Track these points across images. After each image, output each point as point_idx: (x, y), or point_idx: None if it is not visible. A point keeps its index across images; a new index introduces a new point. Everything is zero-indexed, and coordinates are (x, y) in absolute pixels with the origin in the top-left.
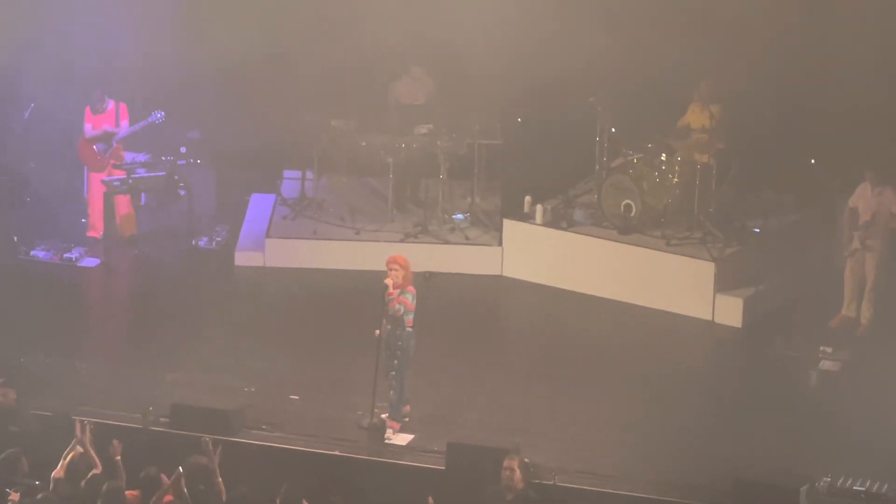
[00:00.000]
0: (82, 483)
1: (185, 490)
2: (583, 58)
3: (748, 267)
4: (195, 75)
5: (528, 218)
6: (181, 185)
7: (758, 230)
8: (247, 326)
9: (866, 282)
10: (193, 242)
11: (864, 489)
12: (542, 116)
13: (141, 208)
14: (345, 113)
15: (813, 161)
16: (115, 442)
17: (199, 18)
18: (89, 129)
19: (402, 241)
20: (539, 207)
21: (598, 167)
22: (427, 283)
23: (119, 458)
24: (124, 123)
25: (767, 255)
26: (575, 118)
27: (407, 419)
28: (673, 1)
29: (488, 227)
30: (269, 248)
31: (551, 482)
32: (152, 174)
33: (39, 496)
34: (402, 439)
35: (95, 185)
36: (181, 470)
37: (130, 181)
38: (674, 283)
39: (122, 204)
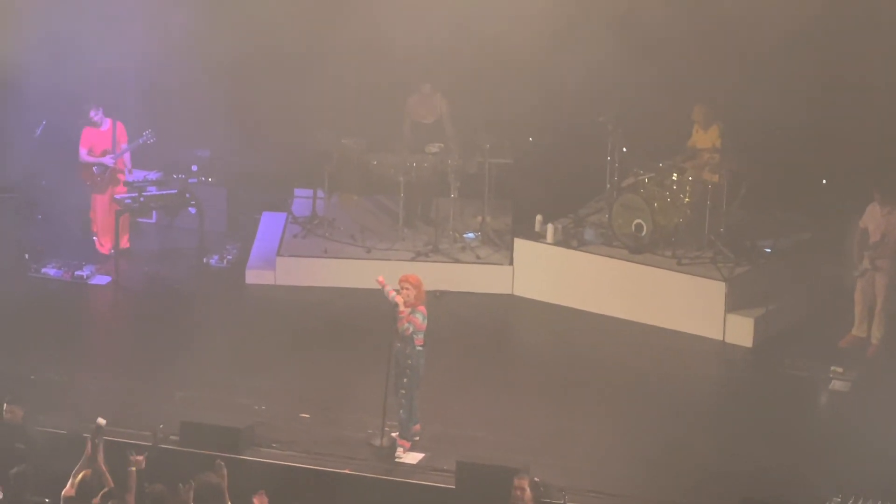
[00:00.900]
0: (94, 501)
1: None
2: (594, 77)
3: (759, 287)
4: (206, 93)
5: (538, 237)
6: (192, 202)
7: (769, 250)
8: (257, 344)
9: (876, 302)
10: (204, 260)
11: None
12: (553, 136)
13: (145, 226)
14: (356, 132)
15: (824, 181)
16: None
17: (210, 36)
18: (84, 153)
19: (412, 259)
20: (550, 226)
21: (608, 186)
22: (438, 301)
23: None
24: (123, 146)
25: (778, 275)
26: (586, 137)
27: (417, 438)
28: (684, 22)
29: (499, 245)
30: (280, 266)
31: (561, 501)
32: (163, 192)
33: None
34: (413, 458)
35: (99, 205)
36: (192, 483)
37: (142, 199)
38: (684, 303)
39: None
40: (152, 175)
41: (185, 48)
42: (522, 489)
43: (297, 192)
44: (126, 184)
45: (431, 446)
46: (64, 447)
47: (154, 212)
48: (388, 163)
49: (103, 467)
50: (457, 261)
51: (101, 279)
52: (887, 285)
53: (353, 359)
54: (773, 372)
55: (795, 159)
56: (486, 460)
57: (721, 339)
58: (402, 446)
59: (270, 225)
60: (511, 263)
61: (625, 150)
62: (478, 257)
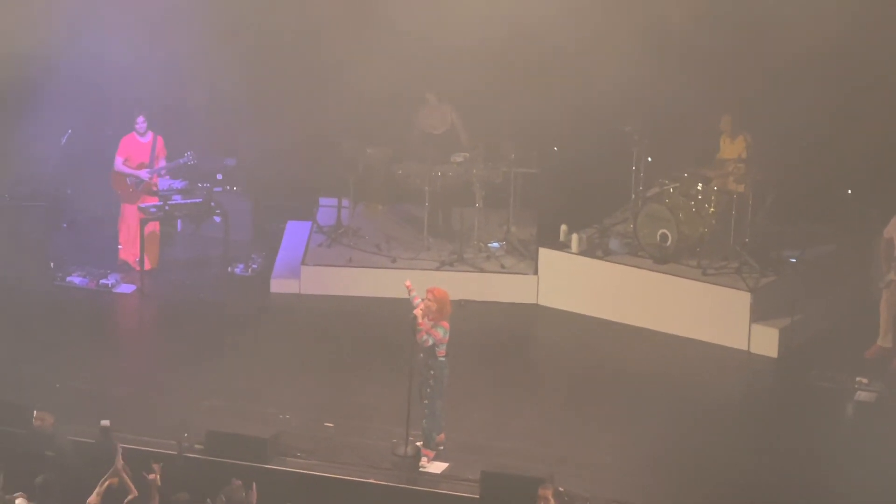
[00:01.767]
0: None
1: None
2: (620, 87)
3: (784, 297)
4: (232, 102)
5: (563, 247)
6: (217, 211)
7: (794, 260)
8: (282, 354)
9: None
10: (229, 269)
11: None
12: (578, 145)
13: (171, 238)
14: (381, 141)
15: (850, 191)
16: (156, 466)
17: (235, 45)
18: (120, 161)
19: (437, 269)
20: (575, 236)
21: (633, 196)
22: (462, 310)
23: (153, 477)
24: (161, 161)
25: (803, 285)
26: (611, 147)
27: (441, 448)
28: (711, 33)
29: (524, 255)
30: (305, 275)
31: None
32: (188, 201)
33: None
34: (437, 467)
35: (128, 215)
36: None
37: (167, 208)
38: (709, 313)
39: (150, 241)
40: (177, 184)
41: (212, 57)
42: (546, 499)
43: (322, 201)
44: (153, 193)
45: (456, 456)
46: (92, 456)
47: (179, 220)
48: (412, 172)
49: (126, 476)
50: (481, 270)
51: (126, 288)
52: None
53: (377, 368)
54: (798, 383)
55: (821, 170)
56: (510, 470)
57: (746, 349)
58: (426, 456)
59: (295, 234)
60: (536, 273)
61: (650, 159)
62: (502, 267)
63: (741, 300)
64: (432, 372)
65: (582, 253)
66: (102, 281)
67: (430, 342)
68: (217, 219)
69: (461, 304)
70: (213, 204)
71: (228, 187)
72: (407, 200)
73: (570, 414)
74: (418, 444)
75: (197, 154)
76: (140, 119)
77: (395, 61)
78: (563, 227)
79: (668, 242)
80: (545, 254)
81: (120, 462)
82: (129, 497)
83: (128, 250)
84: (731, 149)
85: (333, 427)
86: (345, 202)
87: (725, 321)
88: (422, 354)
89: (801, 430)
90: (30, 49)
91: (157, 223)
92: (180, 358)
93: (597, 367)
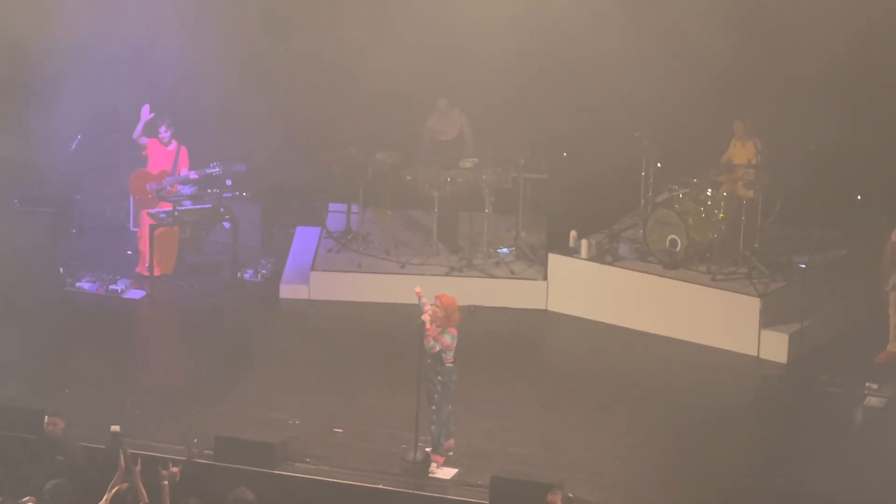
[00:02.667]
0: None
1: None
2: (629, 92)
3: (794, 302)
4: (241, 108)
5: (573, 252)
6: (227, 217)
7: (803, 266)
8: (291, 359)
9: None
10: (239, 275)
11: None
12: (587, 151)
13: (182, 241)
14: (390, 146)
15: (859, 197)
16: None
17: (245, 51)
18: (139, 131)
19: (446, 274)
20: (584, 242)
21: (643, 202)
22: (471, 316)
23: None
24: (183, 171)
25: (813, 290)
26: (620, 153)
27: (451, 453)
28: (723, 40)
29: (533, 261)
30: (314, 281)
31: None
32: (198, 206)
33: None
34: (447, 473)
35: (145, 220)
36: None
37: (176, 213)
38: (719, 319)
39: (168, 243)
40: (187, 189)
41: (221, 63)
42: None
43: (332, 206)
44: (161, 198)
45: (465, 461)
46: (102, 462)
47: (188, 226)
48: (422, 177)
49: (138, 481)
50: (491, 276)
51: (136, 293)
52: None
53: (386, 373)
54: (807, 388)
55: (831, 175)
56: (520, 476)
57: (755, 354)
58: (435, 461)
59: (304, 239)
60: (545, 278)
61: (659, 165)
62: (512, 272)
63: (751, 305)
64: (440, 378)
65: (591, 258)
66: (112, 287)
67: (438, 348)
68: (226, 224)
69: (471, 310)
70: (222, 210)
71: (238, 193)
72: (416, 206)
73: (580, 419)
74: (428, 449)
75: (202, 161)
76: (163, 128)
77: (405, 66)
78: (573, 233)
79: (678, 248)
80: (555, 259)
81: (123, 465)
82: (140, 503)
83: (146, 260)
84: (742, 153)
85: (342, 432)
86: (354, 207)
87: (735, 326)
88: (430, 360)
89: (810, 436)
90: (39, 51)
91: (177, 228)
92: (189, 363)
93: (606, 372)
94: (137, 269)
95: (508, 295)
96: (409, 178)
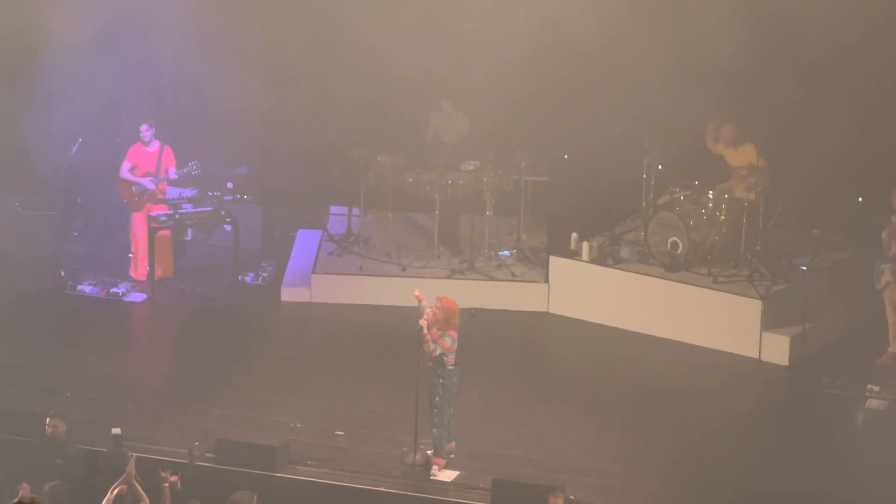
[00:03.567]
0: None
1: None
2: (630, 95)
3: (795, 305)
4: (243, 111)
5: (574, 255)
6: (228, 220)
7: (805, 268)
8: (292, 362)
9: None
10: (240, 278)
11: None
12: (588, 153)
13: (183, 247)
14: (391, 149)
15: (860, 199)
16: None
17: (246, 53)
18: (126, 168)
19: (448, 277)
20: (585, 244)
21: (644, 204)
22: (472, 319)
23: (174, 479)
24: (171, 169)
25: (814, 292)
26: (622, 155)
27: (452, 456)
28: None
29: (534, 263)
30: (316, 283)
31: None
32: (199, 209)
33: None
34: (448, 476)
35: (138, 226)
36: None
37: (177, 216)
38: (720, 321)
39: (164, 246)
40: (188, 192)
41: (222, 65)
42: None
43: (333, 209)
44: (162, 201)
45: (466, 464)
46: (103, 465)
47: (189, 229)
48: (423, 180)
49: (137, 484)
50: (492, 278)
51: (137, 297)
52: None
53: (387, 376)
54: (809, 390)
55: (832, 177)
56: (521, 478)
57: (757, 357)
58: (437, 464)
59: (306, 242)
60: (546, 281)
61: (660, 167)
62: (513, 275)
63: (752, 308)
64: (441, 381)
65: (592, 261)
66: (113, 290)
67: (438, 351)
68: (227, 227)
69: (472, 313)
70: (223, 212)
71: (239, 196)
72: (417, 209)
73: (581, 422)
74: (429, 452)
75: (204, 163)
76: (144, 127)
77: (407, 69)
78: (574, 236)
79: (679, 250)
80: (556, 262)
81: (133, 469)
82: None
83: (138, 264)
84: (737, 157)
85: (344, 435)
86: (355, 210)
87: (736, 329)
88: (431, 363)
89: (811, 438)
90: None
91: (169, 231)
92: (190, 366)
93: (607, 375)
94: (131, 273)
95: (510, 297)
96: (410, 180)
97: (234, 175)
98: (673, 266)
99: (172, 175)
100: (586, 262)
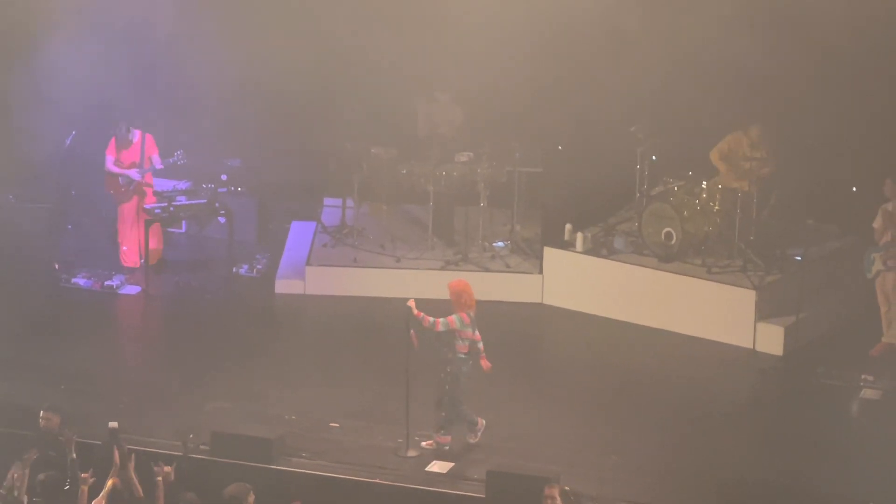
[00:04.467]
0: None
1: None
2: (624, 86)
3: (789, 295)
4: (237, 103)
5: (568, 246)
6: (222, 212)
7: (799, 258)
8: (287, 354)
9: (892, 302)
10: (234, 270)
11: None
12: (582, 144)
13: (175, 235)
14: (385, 141)
15: (854, 189)
16: (167, 469)
17: (241, 49)
18: (111, 161)
19: (442, 268)
20: (579, 235)
21: (638, 195)
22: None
23: (167, 470)
24: (155, 157)
25: (809, 283)
26: (616, 146)
27: (447, 448)
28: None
29: (529, 254)
30: (310, 275)
31: None
32: (193, 202)
33: None
34: (443, 467)
35: (126, 216)
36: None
37: (171, 209)
38: (714, 312)
39: (153, 237)
40: (182, 184)
41: (216, 58)
42: (553, 498)
43: (327, 201)
44: (155, 193)
45: (462, 455)
46: (96, 458)
47: (184, 221)
48: (417, 172)
49: (133, 477)
50: (486, 270)
51: (131, 289)
52: None
53: (382, 368)
54: (803, 380)
55: (826, 167)
56: (516, 469)
57: (751, 347)
58: (439, 442)
59: (300, 234)
60: (540, 272)
61: (654, 158)
62: (507, 266)
63: (746, 298)
64: (449, 368)
65: (587, 252)
66: (107, 282)
67: (442, 327)
68: (221, 220)
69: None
70: (217, 205)
71: (233, 188)
72: (411, 200)
73: (576, 413)
74: (424, 443)
75: (195, 154)
76: (123, 131)
77: (401, 60)
78: (568, 226)
79: (673, 241)
80: (550, 253)
81: (117, 460)
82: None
83: (128, 253)
84: (738, 146)
85: (339, 427)
86: (349, 202)
87: (730, 319)
88: (443, 347)
89: (806, 428)
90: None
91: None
92: (185, 359)
93: (602, 365)
94: (121, 260)
95: (504, 289)
96: (404, 172)
97: (228, 167)
98: (667, 257)
99: (157, 164)
100: (580, 252)
